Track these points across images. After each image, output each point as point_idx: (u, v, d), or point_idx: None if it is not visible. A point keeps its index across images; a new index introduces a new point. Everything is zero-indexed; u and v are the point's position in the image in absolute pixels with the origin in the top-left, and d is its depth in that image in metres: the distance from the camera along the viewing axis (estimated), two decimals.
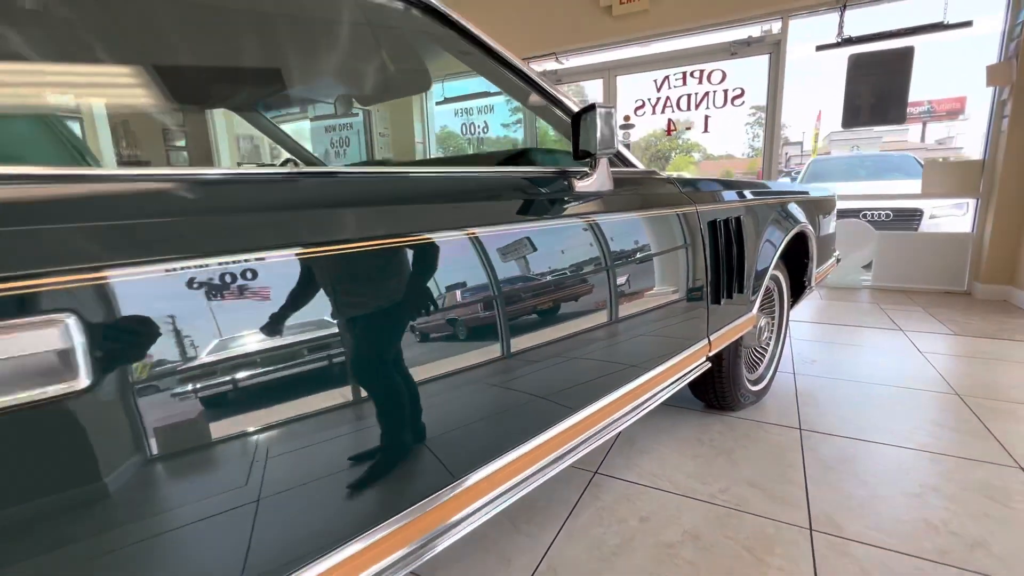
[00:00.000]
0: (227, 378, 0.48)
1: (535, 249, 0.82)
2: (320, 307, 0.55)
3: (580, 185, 0.92)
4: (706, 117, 4.27)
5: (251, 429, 0.49)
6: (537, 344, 0.83)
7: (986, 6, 3.30)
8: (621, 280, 1.00)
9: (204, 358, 0.46)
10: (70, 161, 0.71)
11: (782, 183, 1.98)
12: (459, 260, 0.70)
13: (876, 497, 1.30)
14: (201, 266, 0.46)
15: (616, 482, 1.40)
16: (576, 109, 0.91)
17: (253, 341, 0.49)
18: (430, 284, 0.66)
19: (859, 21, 3.60)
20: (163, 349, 0.43)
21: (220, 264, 0.47)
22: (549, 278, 0.84)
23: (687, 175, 1.41)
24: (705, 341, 1.30)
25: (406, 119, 5.49)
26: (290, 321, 0.52)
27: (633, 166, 1.14)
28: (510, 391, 0.79)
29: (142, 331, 0.42)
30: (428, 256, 0.66)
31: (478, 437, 0.75)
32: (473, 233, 0.71)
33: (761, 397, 1.89)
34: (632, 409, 1.08)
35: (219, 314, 0.47)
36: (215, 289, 0.47)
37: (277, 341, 0.51)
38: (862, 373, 2.13)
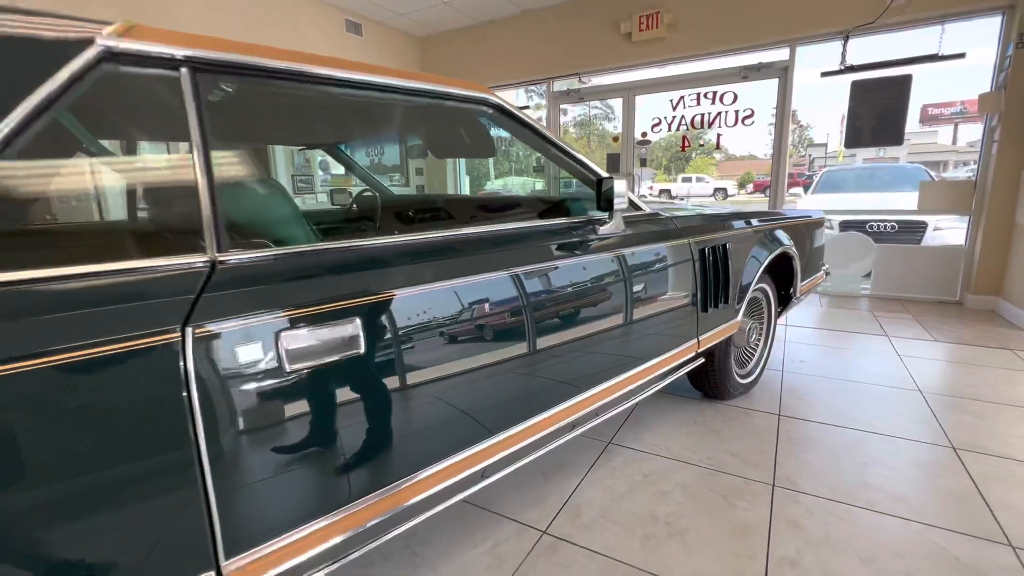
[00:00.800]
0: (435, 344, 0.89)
1: (573, 274, 1.22)
2: (474, 309, 0.96)
3: (602, 229, 1.32)
4: (718, 135, 4.60)
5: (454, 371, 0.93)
6: (571, 339, 1.23)
7: (983, 38, 3.58)
8: (631, 295, 1.40)
9: (423, 340, 0.87)
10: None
11: (769, 211, 2.33)
12: (529, 282, 1.10)
13: (830, 466, 1.67)
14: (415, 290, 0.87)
15: (625, 449, 1.80)
16: (601, 175, 1.31)
17: (454, 330, 0.92)
18: (512, 297, 1.07)
19: (861, 50, 3.90)
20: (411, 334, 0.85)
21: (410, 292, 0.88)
22: (581, 294, 1.24)
23: (682, 212, 1.78)
24: (695, 340, 1.69)
25: None
26: (464, 316, 0.94)
27: (641, 209, 1.53)
28: (557, 366, 1.19)
29: (392, 326, 0.84)
30: (510, 279, 1.07)
31: (537, 395, 1.15)
32: (539, 266, 1.12)
33: (750, 389, 2.25)
34: (637, 388, 1.48)
35: (432, 315, 0.88)
36: (429, 302, 0.88)
37: (456, 328, 0.93)
38: (842, 372, 2.48)
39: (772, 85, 4.28)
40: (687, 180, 20.54)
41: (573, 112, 5.95)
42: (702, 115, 4.60)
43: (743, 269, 1.88)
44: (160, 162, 1.33)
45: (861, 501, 1.47)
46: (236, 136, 1.47)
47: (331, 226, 1.94)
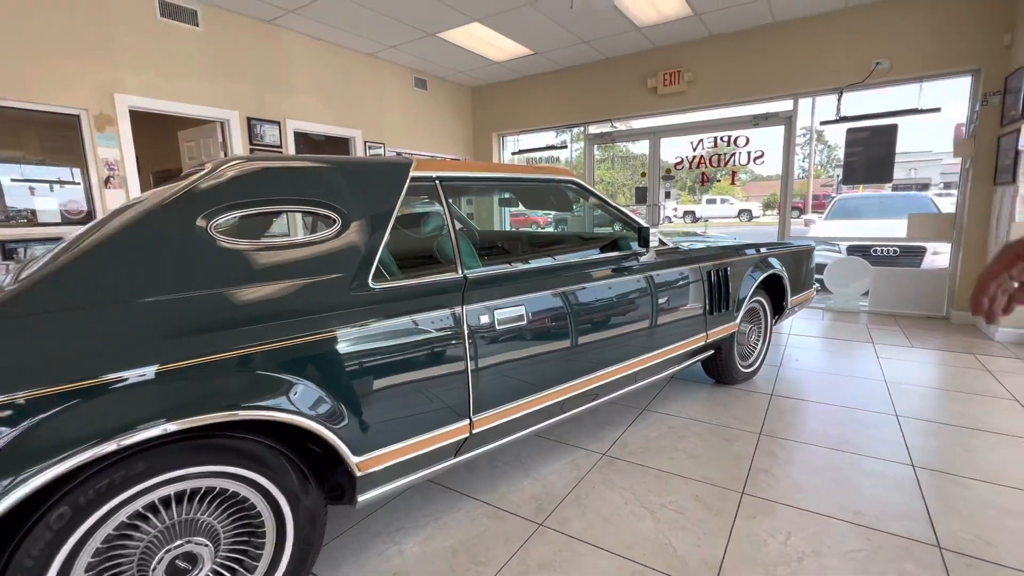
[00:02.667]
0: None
1: (626, 286, 1.98)
2: (574, 305, 1.73)
3: (642, 259, 2.09)
4: (733, 172, 5.34)
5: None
6: (625, 326, 1.98)
7: (956, 95, 4.26)
8: (661, 302, 2.15)
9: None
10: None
11: (766, 242, 3.04)
12: (598, 293, 1.88)
13: (803, 424, 2.36)
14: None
15: (656, 414, 2.52)
16: (642, 224, 2.08)
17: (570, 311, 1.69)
18: (593, 299, 1.84)
19: (856, 102, 4.61)
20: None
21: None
22: (627, 301, 2.00)
23: (697, 244, 2.54)
24: (704, 334, 2.42)
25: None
26: (568, 307, 1.71)
27: (667, 245, 2.29)
28: (619, 341, 1.95)
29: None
30: (588, 291, 1.84)
31: (605, 357, 1.91)
32: (597, 281, 1.89)
33: (751, 377, 2.96)
34: (666, 362, 2.23)
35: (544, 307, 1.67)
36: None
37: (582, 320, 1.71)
38: (827, 367, 3.15)
39: (779, 131, 5.02)
40: (711, 202, 21.02)
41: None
42: (718, 155, 5.35)
43: (740, 286, 2.61)
44: (436, 225, 2.13)
45: (823, 442, 2.17)
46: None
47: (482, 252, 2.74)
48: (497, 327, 1.54)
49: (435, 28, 4.60)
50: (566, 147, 6.49)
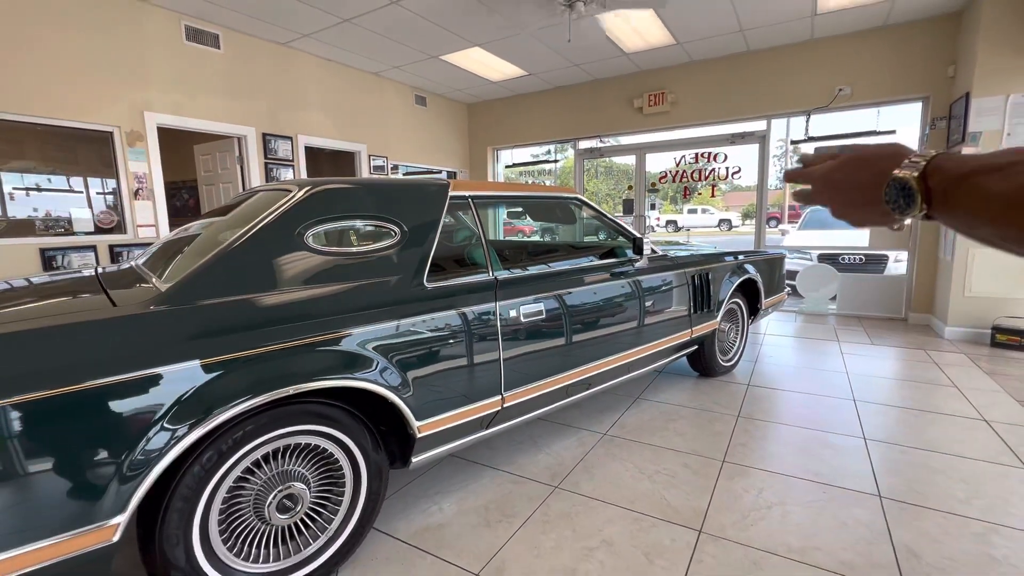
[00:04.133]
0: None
1: (619, 289, 2.32)
2: (581, 302, 2.06)
3: (636, 265, 2.44)
4: (712, 186, 5.77)
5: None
6: (622, 321, 2.32)
7: (908, 119, 4.75)
8: (654, 302, 2.49)
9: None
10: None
11: (743, 250, 3.43)
12: (601, 293, 2.21)
13: (775, 408, 2.72)
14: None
15: (648, 401, 2.86)
16: (636, 235, 2.43)
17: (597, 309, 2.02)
18: (595, 302, 2.17)
19: (823, 123, 5.08)
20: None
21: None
22: (623, 302, 2.34)
23: (683, 252, 2.90)
24: (689, 330, 2.78)
25: (480, 176, 7.16)
26: (574, 305, 2.04)
27: (656, 253, 2.65)
28: (616, 335, 2.28)
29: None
30: (593, 291, 2.17)
31: (603, 349, 2.24)
32: (601, 283, 2.23)
33: (731, 370, 3.32)
34: (656, 354, 2.57)
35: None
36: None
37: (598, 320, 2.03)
38: (797, 362, 3.54)
39: (755, 149, 5.47)
40: (692, 211, 21.68)
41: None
42: (699, 170, 5.78)
43: (720, 289, 2.98)
44: (469, 235, 2.43)
45: (790, 423, 2.53)
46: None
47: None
48: (522, 320, 1.86)
49: (438, 52, 4.94)
50: (557, 161, 6.88)
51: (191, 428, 1.13)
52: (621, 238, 2.55)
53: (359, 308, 1.46)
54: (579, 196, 2.37)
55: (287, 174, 4.78)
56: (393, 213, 1.65)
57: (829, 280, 5.30)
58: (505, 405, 1.83)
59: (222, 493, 1.27)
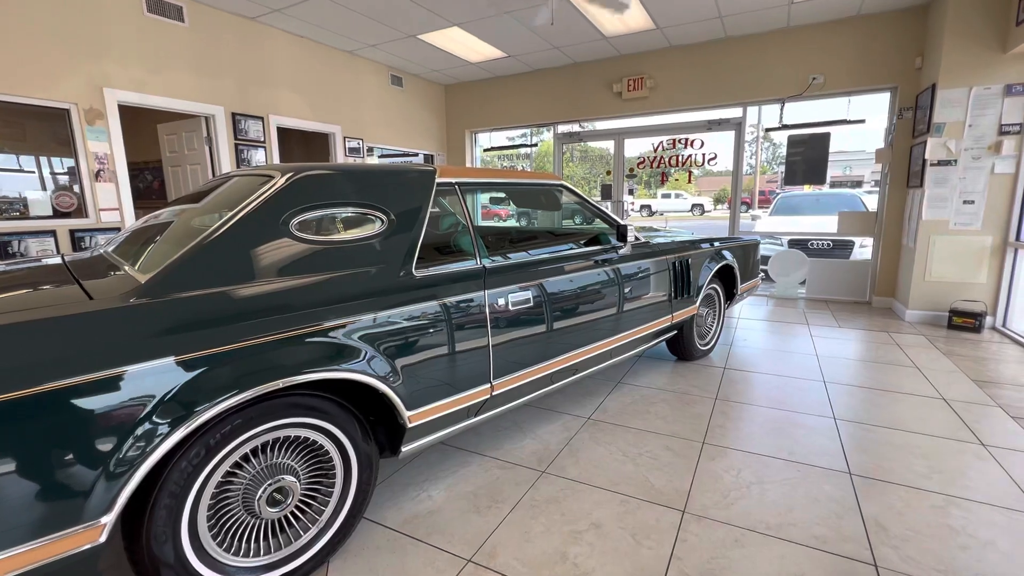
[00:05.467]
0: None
1: (604, 277, 2.35)
2: (567, 289, 2.08)
3: (620, 252, 2.46)
4: (689, 172, 5.84)
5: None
6: (604, 315, 2.35)
7: (877, 108, 4.89)
8: (637, 289, 2.53)
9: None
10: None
11: (720, 236, 3.50)
12: (586, 280, 2.23)
13: (751, 390, 2.82)
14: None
15: (629, 386, 2.92)
16: (620, 223, 2.44)
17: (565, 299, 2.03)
18: (580, 289, 2.19)
19: (797, 111, 5.18)
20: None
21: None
22: (608, 290, 2.37)
23: (663, 239, 2.95)
24: (670, 316, 2.84)
25: (458, 160, 7.06)
26: (560, 292, 2.05)
27: (639, 240, 2.68)
28: (600, 321, 2.31)
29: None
30: (579, 279, 2.19)
31: (587, 335, 2.27)
32: (587, 270, 2.25)
33: (708, 354, 3.42)
34: (640, 339, 2.62)
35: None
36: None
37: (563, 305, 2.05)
38: (770, 345, 3.66)
39: (730, 135, 5.55)
40: (667, 196, 21.95)
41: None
42: (676, 156, 5.84)
43: (699, 275, 3.05)
44: (455, 222, 2.37)
45: (765, 403, 2.62)
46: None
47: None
48: (510, 308, 1.86)
49: (415, 31, 4.81)
50: (535, 145, 6.83)
51: (176, 425, 1.10)
52: (605, 225, 2.57)
53: (347, 298, 1.43)
54: (564, 183, 2.37)
55: (259, 156, 4.61)
56: (379, 200, 1.62)
57: (799, 265, 5.47)
58: (494, 393, 1.84)
59: (210, 489, 1.25)
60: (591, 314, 2.26)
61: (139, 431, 1.06)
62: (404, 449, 1.62)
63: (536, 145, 6.82)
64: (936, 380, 2.92)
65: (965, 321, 4.02)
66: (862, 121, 4.87)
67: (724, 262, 3.26)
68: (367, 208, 1.59)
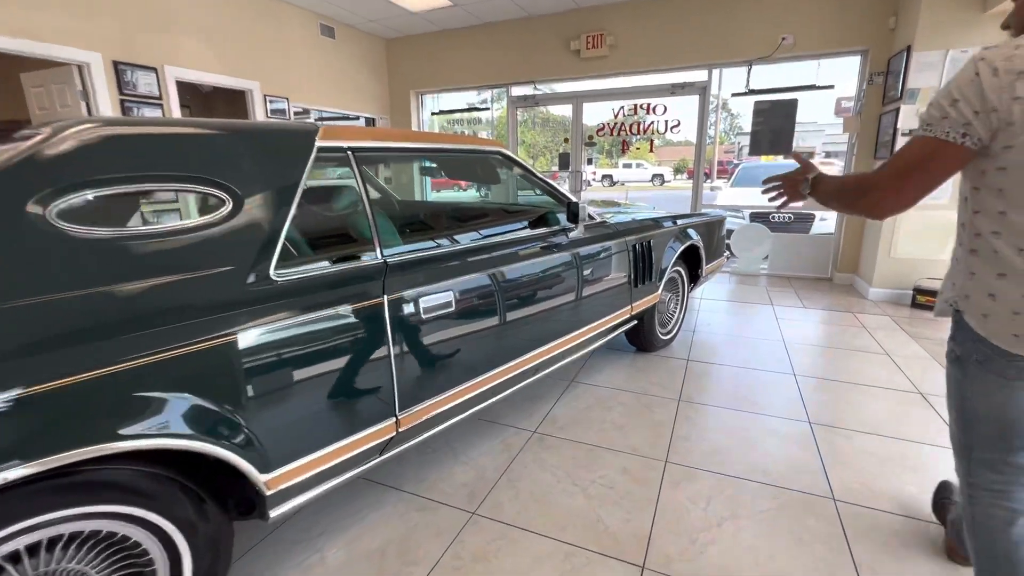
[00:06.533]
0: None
1: (553, 266, 1.93)
2: (501, 287, 1.65)
3: (571, 235, 2.05)
4: (651, 140, 5.46)
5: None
6: (550, 313, 1.95)
7: (847, 74, 4.60)
8: (590, 278, 2.13)
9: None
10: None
11: (683, 213, 3.15)
12: (528, 272, 1.81)
13: (716, 387, 2.51)
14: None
15: (583, 385, 2.57)
16: (572, 199, 2.02)
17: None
18: (520, 284, 1.77)
19: (764, 76, 4.84)
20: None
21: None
22: (558, 280, 1.96)
23: (623, 217, 2.55)
24: (629, 307, 2.47)
25: (404, 125, 6.42)
26: (493, 290, 1.62)
27: (595, 219, 2.27)
28: (545, 321, 1.91)
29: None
30: (518, 271, 1.77)
31: (531, 340, 1.87)
32: (528, 259, 1.82)
33: (670, 343, 3.10)
34: (596, 336, 2.24)
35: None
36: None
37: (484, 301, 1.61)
38: (734, 331, 3.39)
39: (694, 101, 5.17)
40: (627, 166, 21.68)
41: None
42: (638, 123, 5.43)
43: (663, 257, 2.68)
44: (351, 201, 1.86)
45: (732, 404, 2.32)
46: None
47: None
48: (423, 315, 1.42)
49: None
50: (488, 108, 6.25)
51: None
52: (554, 202, 2.14)
53: (152, 323, 0.95)
54: (502, 149, 1.91)
55: (153, 115, 3.88)
56: (219, 171, 1.12)
57: (763, 240, 5.24)
58: (401, 429, 1.42)
59: None
60: (532, 313, 1.85)
61: None
62: (273, 514, 1.19)
63: (489, 109, 6.24)
64: (909, 370, 2.71)
65: (929, 300, 3.88)
66: (831, 87, 4.58)
67: (689, 242, 2.91)
68: (197, 183, 1.10)
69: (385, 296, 1.33)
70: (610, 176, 20.50)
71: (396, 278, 1.37)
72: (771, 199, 1.29)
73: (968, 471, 1.06)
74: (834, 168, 6.42)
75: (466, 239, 1.68)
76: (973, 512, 1.04)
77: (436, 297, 1.46)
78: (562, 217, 2.07)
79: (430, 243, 1.57)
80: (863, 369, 2.72)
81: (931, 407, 2.28)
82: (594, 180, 19.64)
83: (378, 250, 1.39)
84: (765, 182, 1.28)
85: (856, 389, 2.48)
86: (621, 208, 3.31)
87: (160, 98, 3.91)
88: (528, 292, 1.81)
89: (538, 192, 2.13)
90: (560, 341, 2.00)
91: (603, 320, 2.27)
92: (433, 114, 6.51)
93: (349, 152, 1.41)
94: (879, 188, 0.97)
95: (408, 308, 1.38)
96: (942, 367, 2.74)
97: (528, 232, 1.93)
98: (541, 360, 1.92)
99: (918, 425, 2.12)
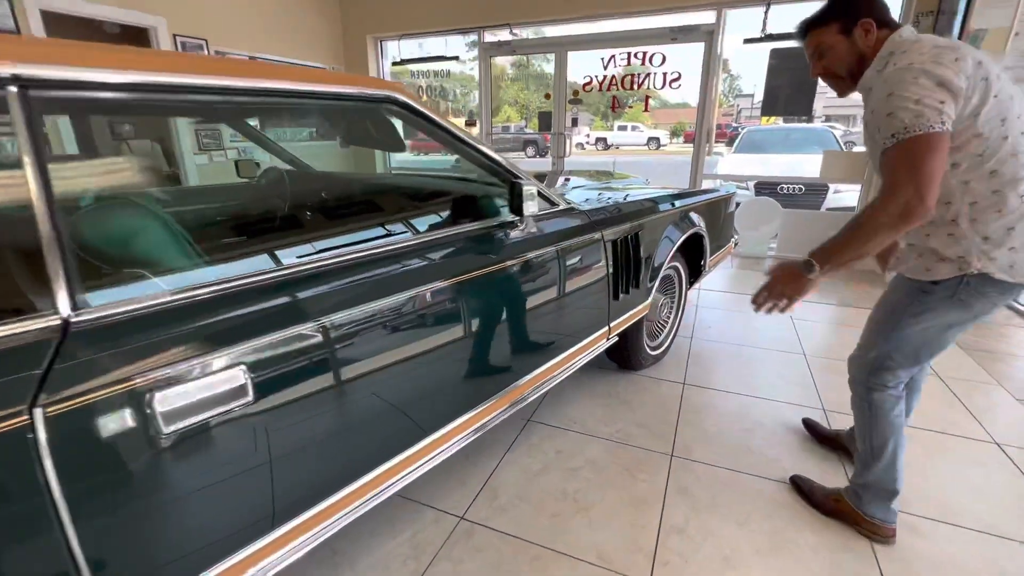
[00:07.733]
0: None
1: (494, 277, 1.23)
2: (387, 332, 0.95)
3: (514, 234, 1.33)
4: (647, 97, 4.64)
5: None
6: (484, 347, 1.25)
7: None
8: (538, 298, 1.43)
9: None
10: None
11: (684, 191, 2.43)
12: (426, 305, 1.10)
13: (722, 430, 1.86)
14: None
15: (543, 427, 1.90)
16: (513, 178, 1.30)
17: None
18: (426, 309, 1.07)
19: (784, 18, 3.99)
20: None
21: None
22: (484, 312, 1.26)
23: (604, 197, 1.82)
24: (606, 328, 1.78)
25: (361, 72, 5.51)
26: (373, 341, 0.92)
27: (556, 205, 1.54)
28: (472, 371, 1.22)
29: None
30: (421, 295, 1.06)
31: (446, 405, 1.19)
32: (458, 279, 1.11)
33: (660, 359, 2.43)
34: (551, 378, 1.56)
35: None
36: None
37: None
38: (742, 337, 2.72)
39: (699, 49, 4.33)
40: (623, 128, 20.58)
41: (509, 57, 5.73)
42: (632, 76, 4.59)
43: (656, 253, 1.97)
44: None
45: (751, 468, 1.67)
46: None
47: (236, 209, 1.80)
48: (165, 435, 0.72)
49: None
50: (458, 58, 5.35)
51: None
52: (490, 180, 1.40)
53: None
54: (396, 95, 1.15)
55: None
56: None
57: (772, 217, 4.53)
58: None
59: None
60: (423, 384, 1.14)
61: None
62: None
63: (456, 58, 5.32)
64: (986, 420, 2.07)
65: None
66: None
67: (692, 230, 2.19)
68: None
69: (39, 411, 0.61)
70: (604, 139, 19.48)
71: (83, 362, 0.65)
72: (769, 310, 1.25)
73: (880, 376, 1.32)
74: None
75: (302, 252, 0.96)
76: (871, 399, 1.33)
77: (197, 388, 0.75)
78: (504, 207, 1.35)
79: (207, 269, 0.85)
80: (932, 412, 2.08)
81: (1019, 470, 1.65)
82: (587, 143, 18.63)
83: (58, 297, 0.66)
84: (754, 300, 1.26)
85: (921, 436, 1.83)
86: (610, 183, 2.57)
87: (18, 32, 3.04)
88: (420, 341, 1.10)
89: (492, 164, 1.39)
90: (481, 410, 1.31)
91: (562, 357, 1.58)
92: (394, 64, 5.59)
93: (16, 86, 0.67)
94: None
95: (113, 424, 0.67)
96: (1015, 400, 2.11)
97: (445, 232, 1.20)
98: (448, 443, 1.24)
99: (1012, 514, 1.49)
